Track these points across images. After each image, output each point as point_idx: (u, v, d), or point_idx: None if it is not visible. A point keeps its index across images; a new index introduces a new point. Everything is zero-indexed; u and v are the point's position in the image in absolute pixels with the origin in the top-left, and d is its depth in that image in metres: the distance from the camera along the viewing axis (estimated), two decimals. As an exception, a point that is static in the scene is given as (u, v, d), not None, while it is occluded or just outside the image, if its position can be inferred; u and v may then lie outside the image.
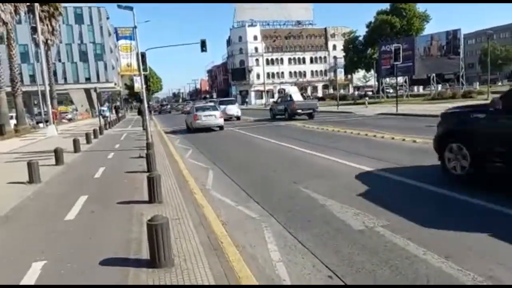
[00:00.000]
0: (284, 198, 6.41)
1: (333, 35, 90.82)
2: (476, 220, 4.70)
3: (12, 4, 23.68)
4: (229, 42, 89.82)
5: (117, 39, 13.79)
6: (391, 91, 56.24)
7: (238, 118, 28.86)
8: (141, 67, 13.84)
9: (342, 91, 70.06)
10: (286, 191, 6.86)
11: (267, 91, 78.63)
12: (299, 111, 24.42)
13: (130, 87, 74.26)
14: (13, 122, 27.36)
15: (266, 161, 10.25)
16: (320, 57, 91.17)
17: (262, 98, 77.73)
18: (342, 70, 63.94)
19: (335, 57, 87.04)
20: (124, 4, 12.45)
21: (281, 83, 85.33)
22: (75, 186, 8.01)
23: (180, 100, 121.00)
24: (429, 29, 59.90)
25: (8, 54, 26.75)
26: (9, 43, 26.62)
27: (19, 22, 38.58)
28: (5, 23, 23.51)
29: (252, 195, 6.72)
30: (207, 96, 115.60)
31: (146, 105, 16.03)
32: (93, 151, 14.39)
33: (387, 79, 53.21)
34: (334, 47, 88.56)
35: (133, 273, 3.66)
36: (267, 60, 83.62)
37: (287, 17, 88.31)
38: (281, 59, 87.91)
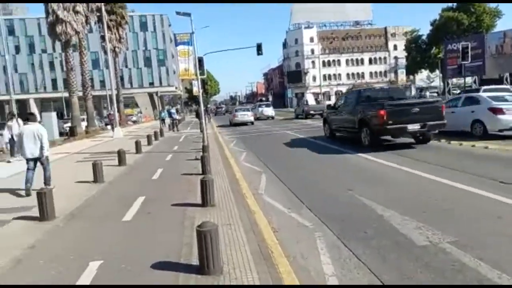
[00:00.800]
0: (338, 205, 6.13)
1: (393, 35, 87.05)
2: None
3: (83, 14, 25.58)
4: (285, 44, 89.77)
5: (176, 45, 14.28)
6: (458, 92, 52.57)
7: (272, 117, 36.79)
8: (198, 72, 14.20)
9: (403, 93, 66.65)
10: (339, 198, 6.56)
11: (323, 93, 77.38)
12: (312, 112, 33.31)
13: (189, 91, 77.00)
14: (84, 124, 29.55)
15: (318, 166, 9.95)
16: (380, 58, 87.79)
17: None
18: (404, 70, 61.00)
19: (396, 58, 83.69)
20: (182, 11, 12.86)
21: (338, 85, 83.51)
22: (134, 187, 8.34)
23: (237, 103, 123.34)
24: (501, 25, 55.09)
25: (80, 61, 28.98)
26: (81, 50, 28.83)
27: (90, 31, 41.71)
28: (77, 32, 25.48)
29: (305, 201, 6.51)
30: (263, 99, 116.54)
31: (202, 108, 16.43)
32: (153, 152, 15.01)
33: (454, 80, 49.75)
34: (395, 47, 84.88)
35: (182, 279, 3.65)
36: (323, 62, 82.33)
37: (344, 18, 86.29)
38: (338, 60, 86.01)
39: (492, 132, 11.95)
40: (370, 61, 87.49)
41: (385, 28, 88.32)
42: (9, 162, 13.63)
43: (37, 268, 4.14)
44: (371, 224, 5.09)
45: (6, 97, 49.26)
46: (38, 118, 14.23)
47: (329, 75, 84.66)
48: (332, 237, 4.79)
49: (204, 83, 20.77)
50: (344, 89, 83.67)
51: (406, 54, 61.94)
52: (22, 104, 59.56)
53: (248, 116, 30.41)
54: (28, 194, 7.57)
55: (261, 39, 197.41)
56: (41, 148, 7.87)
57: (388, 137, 12.71)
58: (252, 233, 4.93)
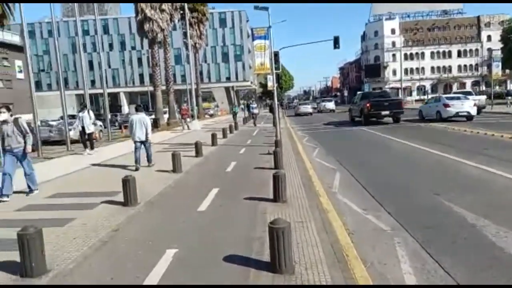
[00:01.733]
0: (422, 211, 5.63)
1: (487, 24, 78.62)
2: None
3: (168, 12, 27.07)
4: (363, 37, 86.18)
5: (253, 39, 14.40)
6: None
7: (333, 111, 43.78)
8: (274, 66, 14.17)
9: (497, 88, 60.11)
10: (424, 202, 6.03)
11: (404, 88, 72.83)
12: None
13: (264, 85, 77.90)
14: (166, 116, 31.42)
15: (399, 165, 9.30)
16: (471, 50, 79.99)
17: (398, 95, 72.39)
18: (499, 63, 54.79)
19: (489, 49, 75.42)
20: (260, 5, 12.90)
21: (421, 79, 78.06)
22: (209, 178, 8.59)
23: (311, 98, 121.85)
24: None
25: (164, 57, 30.81)
26: (165, 47, 30.61)
27: (174, 28, 44.02)
28: (162, 30, 27.06)
29: (383, 203, 6.10)
30: (337, 94, 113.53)
31: (276, 103, 16.41)
32: (228, 145, 15.39)
33: None
34: (489, 38, 76.69)
35: (253, 275, 3.60)
36: (405, 54, 77.40)
37: (430, 7, 79.93)
38: (422, 53, 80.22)
39: (444, 117, 20.48)
40: (459, 54, 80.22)
41: (478, 17, 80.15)
42: (82, 154, 13.77)
43: (119, 250, 4.41)
44: (461, 234, 4.57)
45: (100, 91, 54.25)
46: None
47: (411, 69, 79.47)
48: (414, 245, 4.39)
49: (278, 77, 20.87)
50: (427, 84, 77.95)
51: (502, 45, 55.52)
52: (114, 97, 65.34)
53: (307, 108, 41.82)
54: (137, 169, 9.77)
55: (337, 32, 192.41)
56: (146, 133, 10.00)
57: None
58: (325, 233, 4.73)
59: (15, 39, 53.38)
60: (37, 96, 15.86)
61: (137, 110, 10.51)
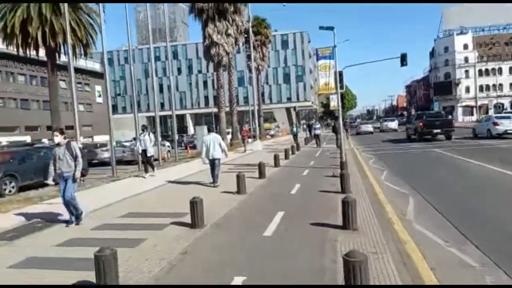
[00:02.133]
0: (517, 246, 4.95)
1: None
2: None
3: (233, 36, 28.05)
4: (432, 54, 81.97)
5: (317, 59, 14.28)
6: None
7: (395, 130, 43.25)
8: (338, 85, 13.87)
9: None
10: (518, 236, 5.31)
11: (479, 107, 67.56)
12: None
13: (325, 105, 76.91)
14: (229, 137, 32.19)
15: (478, 189, 8.41)
16: (557, 64, 72.23)
17: (472, 114, 67.25)
18: None
19: None
20: (325, 26, 12.79)
21: (499, 96, 71.82)
22: (273, 200, 8.45)
23: (374, 117, 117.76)
24: None
25: (228, 79, 31.85)
26: (229, 70, 31.67)
27: (238, 51, 45.53)
28: (227, 53, 28.07)
29: (467, 234, 5.48)
30: (404, 113, 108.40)
31: (341, 123, 15.97)
32: (291, 166, 15.20)
33: None
34: None
35: (326, 311, 3.34)
36: (479, 71, 72.12)
37: (508, 20, 73.99)
38: (499, 68, 74.04)
39: (493, 135, 22.66)
40: (543, 68, 72.80)
41: None
42: (144, 177, 13.39)
43: (189, 275, 4.40)
44: None
45: (168, 113, 57.56)
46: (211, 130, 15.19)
47: (487, 86, 73.54)
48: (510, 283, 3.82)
49: (342, 97, 20.33)
50: (506, 101, 71.44)
51: None
52: (180, 119, 68.67)
53: (368, 127, 44.54)
54: (213, 185, 10.72)
55: (402, 49, 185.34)
56: (221, 150, 10.77)
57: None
58: (403, 266, 4.32)
59: (96, 66, 58.86)
60: (113, 118, 17.10)
61: (209, 130, 11.81)
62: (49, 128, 31.81)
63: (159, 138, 20.56)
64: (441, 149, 18.77)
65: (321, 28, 13.04)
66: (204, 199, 6.48)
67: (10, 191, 12.44)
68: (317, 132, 27.16)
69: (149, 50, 21.41)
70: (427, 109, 79.49)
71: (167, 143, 27.62)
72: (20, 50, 26.60)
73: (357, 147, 24.09)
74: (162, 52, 68.45)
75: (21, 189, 12.88)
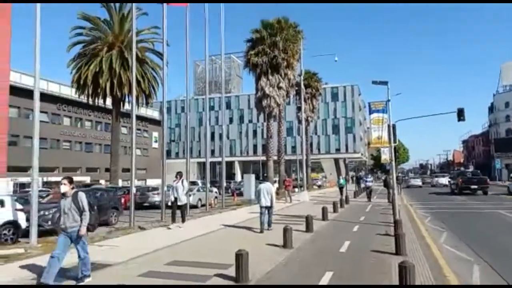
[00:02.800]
0: None
1: None
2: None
3: (284, 89, 28.84)
4: (491, 109, 78.03)
5: (370, 113, 14.09)
6: None
7: (446, 186, 43.19)
8: (392, 139, 13.49)
9: None
10: None
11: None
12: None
13: (376, 158, 74.74)
14: (276, 185, 32.01)
15: None
16: None
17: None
18: None
19: None
20: (379, 80, 12.75)
21: None
22: (322, 258, 8.04)
23: (428, 172, 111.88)
24: None
25: (278, 129, 32.34)
26: (279, 120, 32.27)
27: (288, 103, 46.51)
28: (278, 105, 28.75)
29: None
30: (462, 168, 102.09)
31: (394, 178, 15.30)
32: (339, 221, 14.60)
33: None
34: None
35: None
36: (545, 128, 66.95)
37: None
38: None
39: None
40: None
41: None
42: (169, 228, 12.45)
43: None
44: None
45: (218, 159, 59.18)
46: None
47: (555, 143, 67.66)
48: None
49: (395, 151, 19.62)
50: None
51: None
52: (229, 165, 69.89)
53: (417, 182, 50.05)
54: (261, 231, 11.31)
55: (456, 101, 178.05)
56: (271, 200, 11.67)
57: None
58: None
59: (154, 114, 62.73)
60: (166, 163, 17.77)
61: (263, 179, 13.20)
62: (107, 169, 33.75)
63: (208, 184, 20.90)
64: (490, 204, 17.17)
65: (374, 82, 13.02)
66: (250, 251, 6.31)
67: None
68: (369, 184, 25.93)
69: (205, 100, 22.51)
70: (487, 166, 74.39)
71: (215, 189, 27.98)
72: (90, 99, 29.27)
73: (411, 203, 22.77)
74: (216, 102, 71.89)
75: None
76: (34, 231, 9.86)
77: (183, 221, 13.02)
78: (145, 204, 22.15)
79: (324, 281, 6.22)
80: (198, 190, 24.35)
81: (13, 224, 11.11)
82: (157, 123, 60.56)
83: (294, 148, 63.59)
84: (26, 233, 10.70)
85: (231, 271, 6.35)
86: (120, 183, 30.99)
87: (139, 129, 54.58)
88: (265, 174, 12.61)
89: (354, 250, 8.82)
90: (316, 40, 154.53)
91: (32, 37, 10.56)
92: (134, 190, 15.00)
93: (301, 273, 6.89)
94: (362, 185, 30.53)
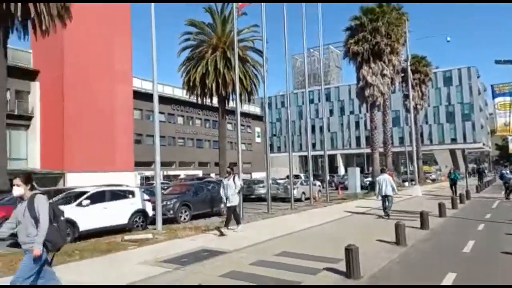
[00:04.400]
0: None
1: None
2: None
3: (389, 77, 27.11)
4: None
5: (493, 97, 12.42)
6: None
7: None
8: (524, 126, 11.66)
9: None
10: None
11: None
12: None
13: (502, 148, 65.69)
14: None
15: None
16: None
17: None
18: None
19: None
20: (503, 59, 11.11)
21: None
22: (440, 257, 7.37)
23: None
24: None
25: (383, 119, 30.63)
26: (384, 110, 30.52)
27: (393, 91, 43.64)
28: (382, 94, 27.18)
29: None
30: None
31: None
32: (459, 218, 13.20)
33: None
34: None
35: None
36: None
37: None
38: None
39: None
40: None
41: None
42: (222, 235, 9.97)
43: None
44: None
45: (320, 152, 58.59)
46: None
47: None
48: None
49: (528, 139, 16.59)
50: None
51: None
52: (331, 159, 68.75)
53: None
54: (387, 215, 12.79)
55: None
56: (392, 189, 13.03)
57: None
58: None
59: (256, 110, 64.96)
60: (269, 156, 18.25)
61: (381, 171, 14.43)
62: (216, 164, 36.15)
63: (311, 178, 20.84)
64: None
65: (497, 62, 11.38)
66: (360, 246, 6.10)
67: (184, 218, 14.34)
68: (508, 177, 20.65)
69: (304, 94, 22.46)
70: None
71: (318, 183, 27.79)
72: (199, 98, 31.65)
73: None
74: (316, 95, 71.25)
75: (193, 217, 14.70)
76: (159, 219, 11.10)
77: (238, 223, 10.80)
78: (252, 196, 23.11)
79: (447, 281, 5.70)
80: (302, 184, 24.47)
81: (142, 212, 12.62)
82: (259, 118, 62.60)
83: (401, 139, 59.44)
84: (152, 221, 12.11)
85: (341, 266, 6.22)
86: (228, 176, 32.85)
87: (242, 125, 57.11)
88: (383, 167, 13.18)
89: (481, 251, 7.89)
90: (423, 21, 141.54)
91: (149, 47, 11.78)
92: (241, 182, 15.75)
93: (417, 272, 6.42)
94: (486, 179, 26.92)
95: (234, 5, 18.19)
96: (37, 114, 33.53)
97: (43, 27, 19.87)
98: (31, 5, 18.54)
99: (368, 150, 32.00)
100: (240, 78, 23.76)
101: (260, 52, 29.26)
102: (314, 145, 67.63)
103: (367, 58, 26.74)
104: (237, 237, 9.70)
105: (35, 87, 33.69)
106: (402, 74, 30.73)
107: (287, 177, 24.92)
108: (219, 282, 5.89)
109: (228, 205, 10.69)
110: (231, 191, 10.59)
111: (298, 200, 20.85)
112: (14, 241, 10.43)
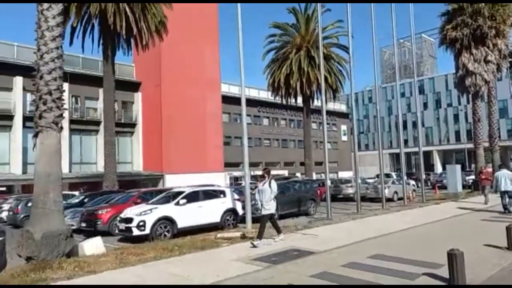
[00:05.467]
0: None
1: None
2: None
3: (494, 63, 24.23)
4: None
5: None
6: None
7: None
8: None
9: None
10: None
11: None
12: None
13: None
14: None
15: None
16: None
17: None
18: None
19: None
20: None
21: None
22: None
23: None
24: None
25: (488, 111, 27.45)
26: (489, 100, 27.31)
27: (500, 79, 38.81)
28: (486, 82, 24.37)
29: None
30: None
31: None
32: None
33: None
34: None
35: None
36: None
37: None
38: None
39: None
40: None
41: None
42: (254, 246, 8.62)
43: None
44: None
45: (413, 149, 54.72)
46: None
47: None
48: None
49: None
50: None
51: None
52: (426, 156, 63.72)
53: None
54: (509, 211, 12.95)
55: None
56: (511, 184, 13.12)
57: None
58: None
59: (342, 107, 63.35)
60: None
61: (499, 167, 14.81)
62: (302, 163, 36.12)
63: (404, 176, 19.59)
64: None
65: None
66: (464, 251, 5.56)
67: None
68: None
69: (394, 87, 21.22)
70: None
71: (412, 182, 26.04)
72: (283, 99, 32.02)
73: None
74: (407, 88, 66.73)
75: (280, 217, 14.87)
76: (249, 218, 11.48)
77: (279, 232, 9.57)
78: (339, 196, 22.58)
79: None
80: (393, 183, 23.18)
81: (233, 211, 13.19)
82: (344, 116, 60.82)
83: (510, 132, 52.81)
84: (242, 219, 12.56)
85: (443, 272, 5.75)
86: (314, 176, 32.63)
87: (328, 123, 55.92)
88: (502, 163, 12.76)
89: None
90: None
91: (235, 52, 12.25)
92: (328, 182, 15.51)
93: (537, 283, 5.64)
94: None
95: (319, 4, 17.99)
96: (140, 121, 37.22)
97: (144, 42, 22.05)
98: (133, 23, 20.68)
99: (470, 145, 28.93)
100: (324, 76, 23.47)
101: (345, 48, 28.49)
102: (406, 141, 63.44)
103: (467, 44, 24.24)
104: (327, 238, 9.56)
105: (138, 97, 37.45)
106: (510, 60, 27.18)
107: (377, 176, 23.83)
108: (310, 282, 5.88)
109: (263, 212, 9.44)
110: (266, 197, 9.38)
111: (389, 200, 19.79)
112: (123, 237, 11.79)
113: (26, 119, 28.43)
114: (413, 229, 10.76)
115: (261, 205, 9.47)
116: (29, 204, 13.68)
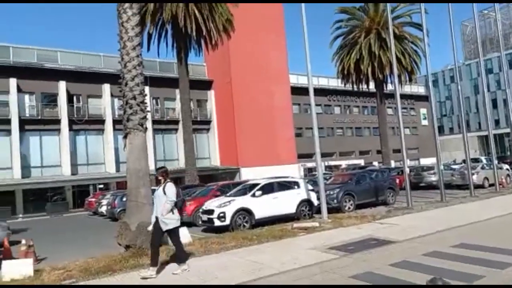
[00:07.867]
0: None
1: None
2: None
3: None
4: None
5: None
6: None
7: None
8: None
9: None
10: None
11: None
12: None
13: None
14: None
15: None
16: None
17: None
18: None
19: None
20: None
21: None
22: None
23: None
24: None
25: None
26: None
27: None
28: None
29: None
30: None
31: None
32: None
33: None
34: None
35: None
36: None
37: None
38: None
39: None
40: None
41: None
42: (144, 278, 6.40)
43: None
44: None
45: (505, 130, 49.41)
46: None
47: None
48: None
49: None
50: None
51: None
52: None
53: None
54: None
55: None
56: None
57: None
58: None
59: (420, 90, 59.36)
60: (439, 140, 16.47)
61: None
62: (378, 152, 34.74)
63: (494, 161, 17.90)
64: None
65: None
66: None
67: (349, 208, 14.37)
68: None
69: (479, 63, 19.38)
70: None
71: (506, 166, 23.62)
72: (354, 86, 31.04)
73: None
74: (495, 63, 60.13)
75: (357, 206, 14.61)
76: (324, 208, 11.51)
77: (180, 261, 6.65)
78: (421, 184, 21.36)
79: None
80: (483, 168, 21.25)
81: (308, 202, 13.28)
82: (424, 98, 56.91)
83: None
84: (317, 210, 12.61)
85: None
86: (392, 164, 31.20)
87: (405, 108, 52.95)
88: None
89: None
90: None
91: (301, 43, 12.23)
92: (407, 170, 14.80)
93: None
94: None
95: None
96: (214, 118, 38.88)
97: (213, 41, 23.01)
98: (202, 24, 21.69)
99: None
100: (397, 58, 22.28)
101: (419, 26, 26.66)
102: (497, 122, 57.40)
103: None
104: (407, 227, 9.23)
105: (211, 95, 39.13)
106: None
107: (464, 161, 22.03)
108: (388, 270, 5.80)
109: (163, 228, 6.46)
110: (162, 206, 6.42)
111: (479, 186, 18.23)
112: (206, 227, 12.57)
113: (115, 122, 31.49)
114: (504, 217, 9.89)
115: (157, 218, 6.48)
116: (124, 199, 15.24)
